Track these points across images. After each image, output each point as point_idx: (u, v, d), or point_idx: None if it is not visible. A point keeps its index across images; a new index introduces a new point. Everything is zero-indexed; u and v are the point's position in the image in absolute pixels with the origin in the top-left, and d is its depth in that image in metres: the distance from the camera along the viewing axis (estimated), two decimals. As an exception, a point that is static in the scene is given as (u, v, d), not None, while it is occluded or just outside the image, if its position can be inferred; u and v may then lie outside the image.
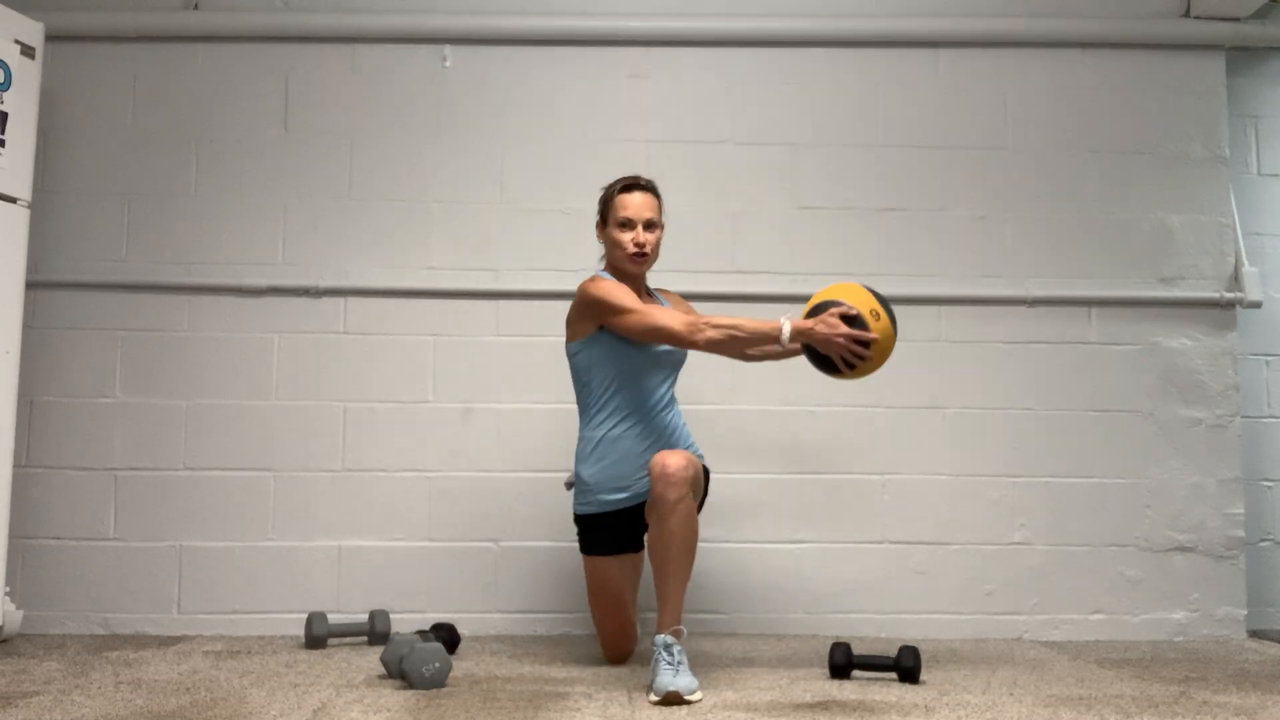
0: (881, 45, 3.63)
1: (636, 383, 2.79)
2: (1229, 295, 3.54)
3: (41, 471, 3.40)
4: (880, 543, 3.46)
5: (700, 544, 3.36)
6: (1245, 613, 3.46)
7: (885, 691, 2.52)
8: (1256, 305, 3.55)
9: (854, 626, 3.41)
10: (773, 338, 2.58)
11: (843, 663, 2.67)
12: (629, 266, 2.81)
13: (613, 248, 2.83)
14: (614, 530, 2.80)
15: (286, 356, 3.47)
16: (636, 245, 2.79)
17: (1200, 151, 3.62)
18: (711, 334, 2.61)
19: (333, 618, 3.30)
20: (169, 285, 3.48)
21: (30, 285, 3.35)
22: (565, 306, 3.41)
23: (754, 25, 3.61)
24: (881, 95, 3.63)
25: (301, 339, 3.48)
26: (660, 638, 2.46)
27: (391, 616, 3.30)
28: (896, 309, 3.48)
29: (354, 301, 3.50)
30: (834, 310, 2.53)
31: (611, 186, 2.87)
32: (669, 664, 2.40)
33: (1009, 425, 3.50)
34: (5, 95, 3.09)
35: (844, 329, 2.51)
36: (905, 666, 2.63)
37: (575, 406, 2.91)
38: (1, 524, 3.05)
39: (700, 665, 2.81)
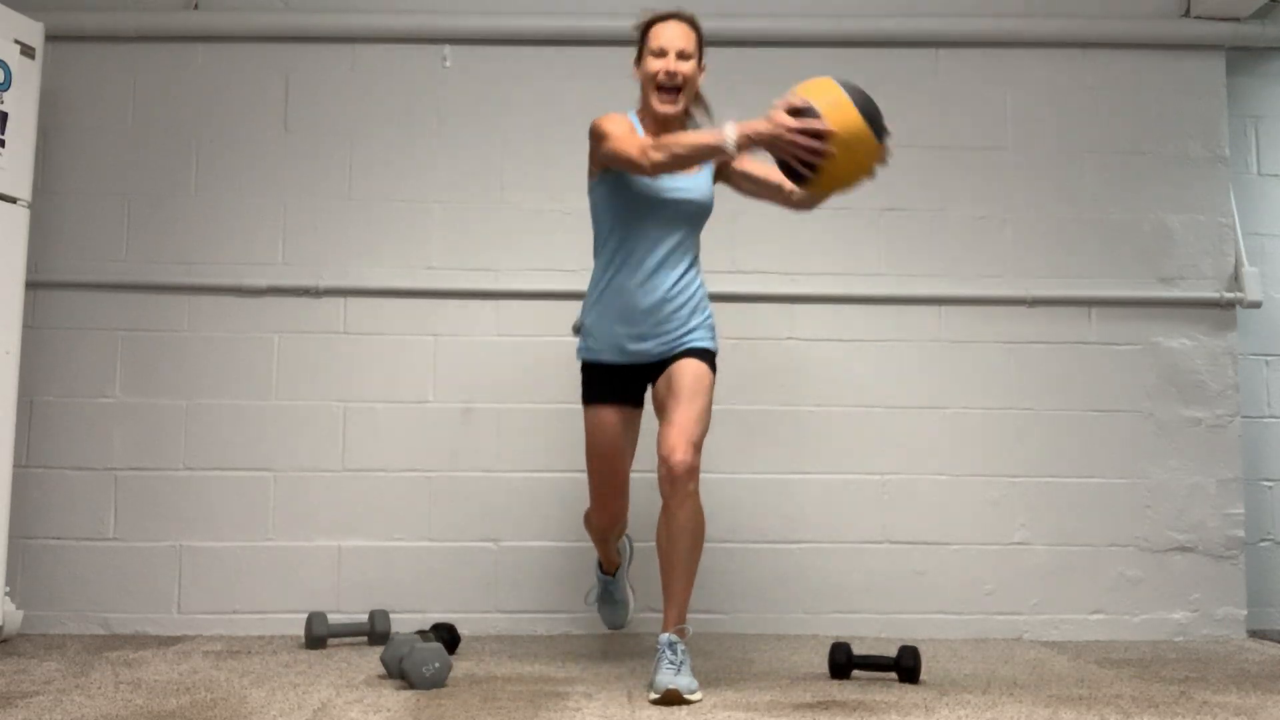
0: (881, 45, 3.63)
1: (635, 229, 2.65)
2: (1229, 295, 3.54)
3: (41, 471, 3.40)
4: (880, 543, 3.46)
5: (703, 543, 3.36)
6: (1245, 613, 3.46)
7: (885, 691, 2.52)
8: (1256, 305, 3.55)
9: (854, 626, 3.41)
10: (718, 148, 2.39)
11: (843, 663, 2.67)
12: (659, 103, 2.63)
13: (645, 83, 2.66)
14: (615, 380, 2.71)
15: (286, 356, 3.47)
16: (667, 74, 2.60)
17: (1200, 151, 3.62)
18: (655, 155, 2.44)
19: (333, 618, 3.30)
20: (169, 285, 3.48)
21: (30, 285, 3.35)
22: (565, 306, 3.42)
23: (754, 25, 3.61)
24: (881, 95, 3.60)
25: (301, 339, 3.48)
26: (665, 636, 2.46)
27: (391, 616, 3.30)
28: (896, 309, 3.52)
29: (354, 301, 3.50)
30: (779, 103, 2.28)
31: (648, 17, 2.69)
32: (671, 663, 2.40)
33: (1009, 425, 3.50)
34: (5, 95, 3.09)
35: (791, 121, 2.26)
36: (905, 666, 2.63)
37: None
38: (1, 524, 3.05)
39: (700, 665, 2.81)
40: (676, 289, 2.66)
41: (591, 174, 2.74)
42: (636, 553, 3.15)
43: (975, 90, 3.63)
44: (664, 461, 2.51)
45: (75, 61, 3.54)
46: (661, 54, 2.62)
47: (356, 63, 3.59)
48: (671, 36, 2.63)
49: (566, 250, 3.49)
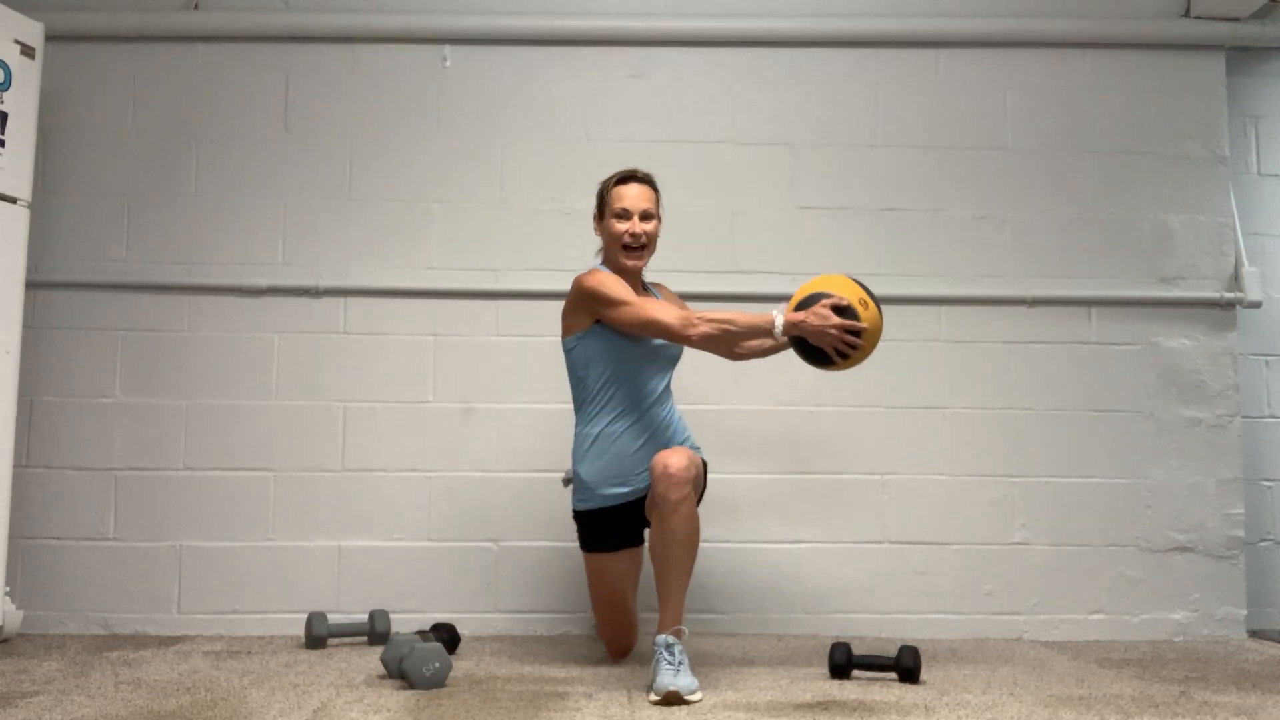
0: (881, 45, 3.63)
1: (633, 377, 2.78)
2: (1229, 295, 3.54)
3: (41, 471, 3.40)
4: (880, 543, 3.46)
5: (700, 544, 3.36)
6: (1245, 613, 3.46)
7: (885, 691, 2.52)
8: (1256, 305, 3.55)
9: (854, 626, 3.41)
10: (765, 331, 2.59)
11: (843, 663, 2.67)
12: (625, 259, 2.81)
13: (609, 241, 2.84)
14: (613, 526, 2.80)
15: (286, 356, 3.47)
16: (632, 236, 2.79)
17: (1200, 151, 3.62)
18: (705, 329, 2.61)
19: (333, 618, 3.30)
20: (169, 285, 3.48)
21: (30, 285, 3.35)
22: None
23: (754, 25, 3.61)
24: (881, 95, 3.63)
25: (301, 339, 3.48)
26: (661, 638, 2.46)
27: (391, 616, 3.30)
28: (896, 309, 3.53)
29: (354, 301, 3.50)
30: (825, 302, 2.54)
31: (608, 179, 2.87)
32: (669, 664, 2.40)
33: (1009, 425, 3.50)
34: (5, 95, 3.09)
35: (835, 320, 2.52)
36: (905, 666, 2.63)
37: (570, 406, 2.91)
38: (1, 524, 3.05)
39: (700, 665, 2.81)
40: (669, 419, 2.85)
41: (575, 327, 2.81)
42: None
43: (975, 90, 3.63)
44: (659, 464, 2.56)
45: (75, 61, 3.54)
46: (625, 216, 2.80)
47: (356, 63, 3.59)
48: (634, 199, 2.80)
49: (566, 250, 3.49)
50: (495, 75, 3.59)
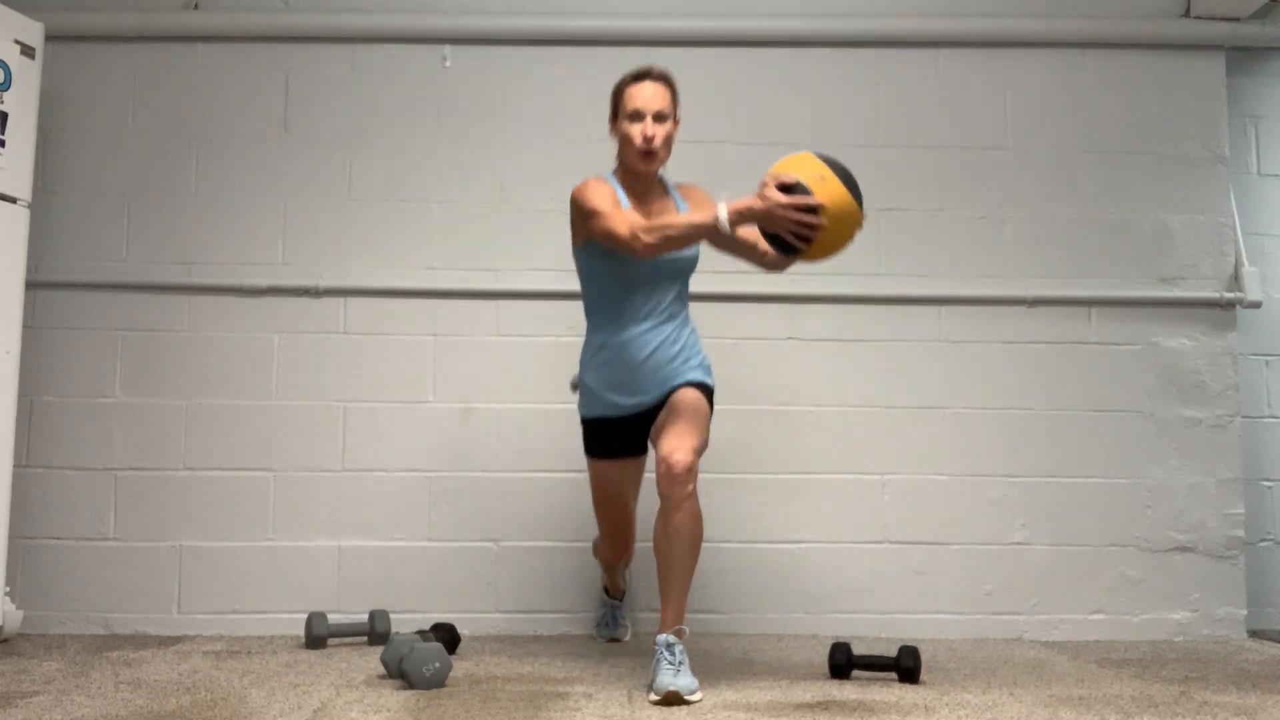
0: (881, 45, 3.63)
1: (631, 290, 2.69)
2: (1229, 295, 3.54)
3: (41, 471, 3.40)
4: (880, 543, 3.46)
5: (701, 544, 3.36)
6: (1245, 613, 3.46)
7: (885, 691, 2.52)
8: (1256, 305, 3.55)
9: (854, 626, 3.41)
10: (711, 227, 2.45)
11: (843, 663, 2.67)
12: (638, 163, 2.69)
13: (623, 143, 2.71)
14: (616, 434, 2.76)
15: (286, 356, 3.47)
16: (644, 138, 2.64)
17: (1200, 151, 3.62)
18: (647, 239, 2.49)
19: (333, 618, 3.30)
20: (169, 285, 3.48)
21: (30, 285, 3.35)
22: (565, 306, 3.43)
23: (754, 25, 3.61)
24: (881, 95, 3.63)
25: (301, 339, 3.48)
26: (662, 637, 2.46)
27: (391, 616, 3.30)
28: (896, 309, 3.52)
29: (354, 301, 3.50)
30: (770, 180, 2.37)
31: (623, 78, 2.72)
32: (670, 664, 2.40)
33: (1009, 425, 3.50)
34: (5, 95, 3.09)
35: (782, 198, 2.34)
36: (905, 666, 2.63)
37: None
38: (1, 524, 3.05)
39: (700, 665, 2.81)
40: (669, 341, 2.72)
41: (576, 239, 2.77)
42: (638, 555, 3.15)
43: (975, 90, 3.63)
44: (663, 461, 2.52)
45: (75, 61, 3.54)
46: (638, 117, 2.66)
47: (356, 63, 3.59)
48: (647, 99, 2.66)
49: (566, 250, 3.47)
50: (495, 75, 3.59)
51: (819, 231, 2.35)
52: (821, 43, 3.62)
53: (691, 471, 2.51)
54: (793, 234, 2.38)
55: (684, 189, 2.85)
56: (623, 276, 2.69)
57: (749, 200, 2.39)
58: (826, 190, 2.34)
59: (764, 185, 2.38)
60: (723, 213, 2.41)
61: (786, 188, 2.35)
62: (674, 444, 2.53)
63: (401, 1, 3.60)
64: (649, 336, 2.69)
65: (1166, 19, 3.64)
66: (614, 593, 3.22)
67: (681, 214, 2.59)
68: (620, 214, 2.58)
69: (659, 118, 2.67)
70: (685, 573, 2.54)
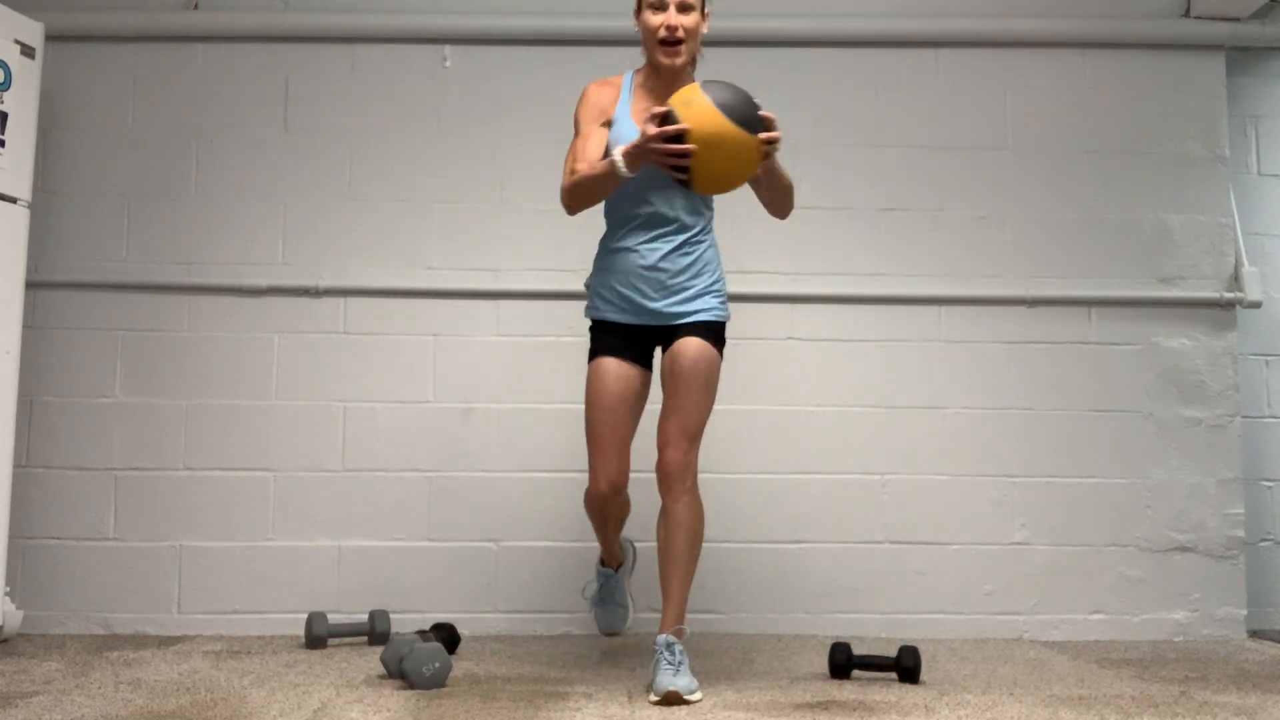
0: (881, 45, 3.63)
1: (632, 198, 2.60)
2: (1229, 295, 3.54)
3: (41, 471, 3.40)
4: (880, 543, 3.46)
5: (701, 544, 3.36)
6: (1245, 613, 3.46)
7: (885, 691, 2.52)
8: (1256, 305, 3.55)
9: (854, 626, 3.41)
10: (611, 175, 2.42)
11: (843, 663, 2.67)
12: (660, 57, 2.55)
13: (645, 36, 2.57)
14: (619, 337, 2.64)
15: (286, 356, 3.47)
16: (667, 29, 2.50)
17: (1200, 151, 3.62)
18: (564, 182, 2.53)
19: (333, 618, 3.30)
20: (169, 285, 3.48)
21: (30, 285, 3.35)
22: (565, 306, 3.43)
23: (754, 25, 3.60)
24: (881, 95, 3.63)
25: (301, 339, 3.48)
26: (662, 637, 2.46)
27: (391, 616, 3.30)
28: (896, 309, 3.52)
29: (354, 301, 3.50)
30: (649, 117, 2.32)
31: None
32: (670, 664, 2.40)
33: (1009, 425, 3.50)
34: (5, 95, 3.09)
35: (652, 130, 2.29)
36: (905, 666, 2.63)
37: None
38: (1, 524, 3.05)
39: (700, 665, 2.81)
40: (678, 252, 2.60)
41: None
42: (639, 556, 3.14)
43: (975, 90, 3.63)
44: (660, 456, 2.53)
45: (75, 61, 3.54)
46: (661, 6, 2.52)
47: (356, 63, 3.59)
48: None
49: (566, 250, 3.49)
50: (495, 75, 3.59)
51: (693, 158, 2.27)
52: (821, 43, 3.62)
53: (690, 466, 2.51)
54: (670, 166, 2.32)
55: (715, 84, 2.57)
56: (629, 184, 2.55)
57: (636, 139, 2.36)
58: (694, 115, 2.24)
59: (647, 119, 2.34)
60: (617, 155, 2.38)
61: (660, 118, 2.29)
62: (671, 435, 2.51)
63: (401, 1, 3.60)
64: (655, 244, 2.59)
65: (1166, 19, 3.64)
66: (609, 559, 2.99)
67: (589, 166, 2.50)
68: (577, 149, 2.56)
69: (684, 8, 2.51)
70: (686, 570, 2.54)
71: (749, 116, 2.31)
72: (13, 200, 3.11)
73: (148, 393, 3.45)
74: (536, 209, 3.53)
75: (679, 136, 2.27)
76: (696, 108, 2.25)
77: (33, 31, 3.18)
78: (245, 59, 3.57)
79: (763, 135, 2.35)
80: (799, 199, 3.57)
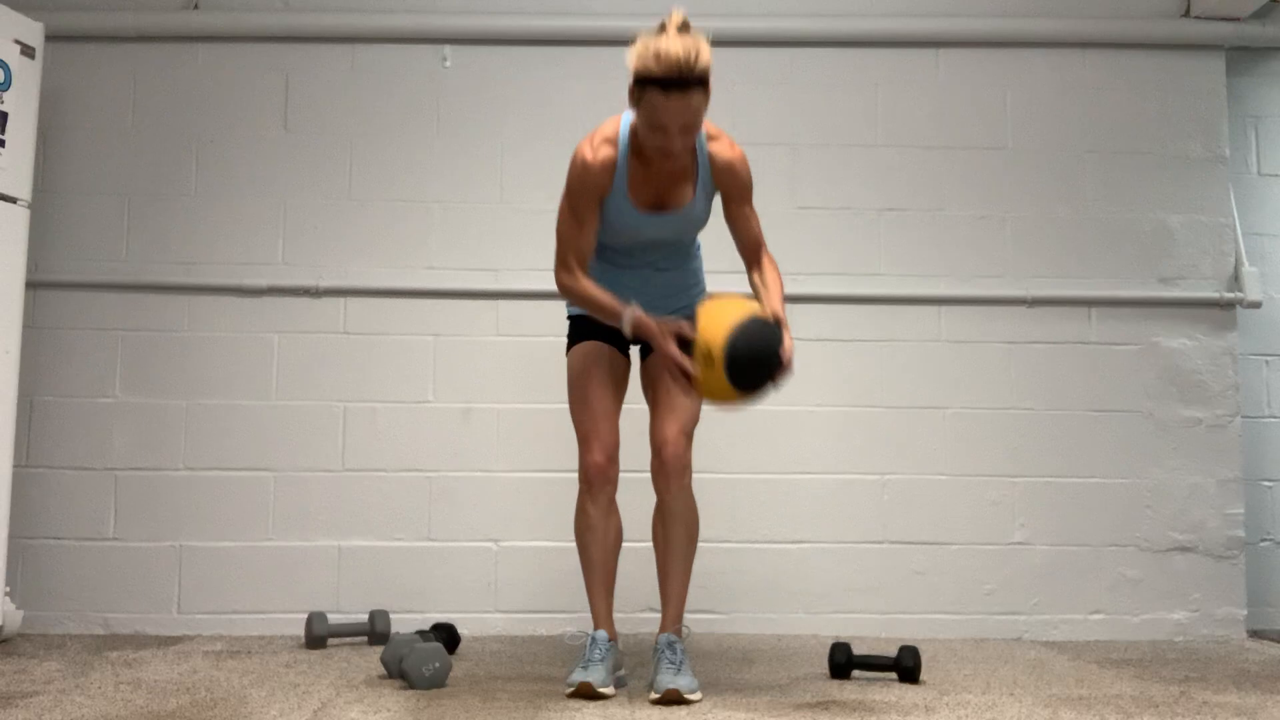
0: (881, 45, 3.63)
1: (624, 253, 2.60)
2: (1229, 295, 3.54)
3: (41, 471, 3.40)
4: (880, 543, 3.46)
5: (700, 544, 3.36)
6: (1245, 613, 3.46)
7: (885, 691, 2.52)
8: (1256, 305, 3.55)
9: (854, 626, 3.41)
10: (614, 320, 2.44)
11: (843, 663, 2.67)
12: (657, 157, 2.40)
13: (641, 126, 2.34)
14: (601, 328, 2.59)
15: (286, 356, 3.47)
16: (663, 153, 2.34)
17: (1200, 151, 3.62)
18: (562, 281, 2.48)
19: (333, 618, 3.30)
20: (169, 285, 3.48)
21: (30, 285, 3.35)
22: (565, 306, 3.42)
23: (754, 25, 3.61)
24: (881, 95, 3.63)
25: (301, 339, 3.48)
26: (664, 637, 2.46)
27: (391, 616, 3.30)
28: (896, 309, 3.52)
29: (354, 301, 3.50)
30: (676, 324, 2.36)
31: (646, 67, 2.24)
32: (670, 663, 2.40)
33: (1009, 425, 3.50)
34: (5, 95, 3.09)
35: (670, 348, 2.33)
36: (905, 666, 2.63)
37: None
38: (1, 524, 3.05)
39: (700, 665, 2.81)
40: (667, 281, 2.63)
41: None
42: (632, 556, 3.14)
43: (975, 90, 3.63)
44: (656, 454, 2.53)
45: (75, 61, 3.55)
46: (661, 129, 2.28)
47: (356, 63, 3.59)
48: (676, 113, 2.25)
49: (566, 250, 3.49)
50: (495, 75, 3.59)
51: (694, 388, 2.35)
52: (821, 43, 3.62)
53: (685, 463, 2.52)
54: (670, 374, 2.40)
55: (716, 149, 2.47)
56: (615, 242, 2.56)
57: (651, 326, 2.37)
58: (709, 374, 2.27)
59: (673, 328, 2.36)
60: (627, 322, 2.41)
61: (682, 341, 2.35)
62: (666, 432, 2.51)
63: (401, 1, 3.60)
64: (645, 272, 2.61)
65: (1166, 19, 3.64)
66: (601, 619, 2.62)
67: (604, 294, 2.46)
68: (573, 239, 2.46)
69: (687, 130, 2.30)
70: (684, 567, 2.55)
71: (761, 386, 2.31)
72: (13, 200, 3.11)
73: (148, 393, 3.45)
74: (536, 209, 3.53)
75: (686, 344, 2.34)
76: (717, 374, 2.26)
77: (33, 31, 3.18)
78: (245, 59, 3.58)
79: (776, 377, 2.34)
80: (800, 199, 3.59)
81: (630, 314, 2.40)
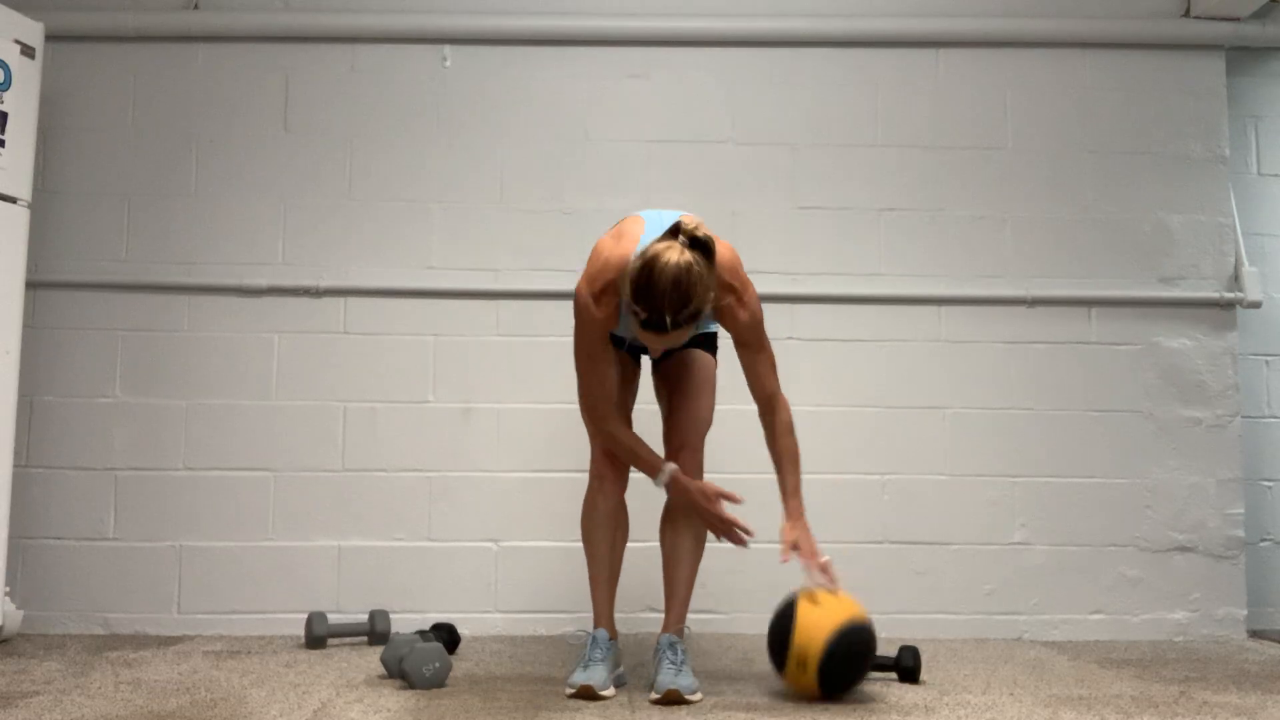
0: (881, 45, 3.63)
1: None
2: (1229, 295, 3.54)
3: (41, 471, 3.40)
4: (880, 543, 3.46)
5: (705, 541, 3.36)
6: (1245, 613, 3.46)
7: (885, 691, 2.52)
8: (1256, 305, 3.55)
9: (854, 626, 3.40)
10: (651, 474, 2.50)
11: (843, 663, 2.67)
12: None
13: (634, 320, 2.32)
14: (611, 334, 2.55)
15: (286, 356, 3.47)
16: (650, 354, 2.58)
17: (1200, 151, 3.62)
18: (593, 425, 2.54)
19: (333, 618, 3.30)
20: (169, 285, 3.48)
21: (30, 285, 3.35)
22: (565, 306, 3.43)
23: (754, 25, 3.61)
24: (881, 95, 3.63)
25: (301, 339, 3.48)
26: (665, 637, 2.47)
27: (391, 616, 3.30)
28: (896, 309, 3.52)
29: (354, 301, 3.50)
30: (716, 488, 2.48)
31: (636, 299, 2.24)
32: (671, 663, 2.40)
33: (1009, 425, 3.50)
34: (5, 95, 3.09)
35: (718, 510, 2.47)
36: (905, 666, 2.63)
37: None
38: (1, 524, 3.05)
39: (700, 665, 2.81)
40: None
41: None
42: (633, 555, 3.14)
43: (975, 90, 3.63)
44: (676, 457, 2.57)
45: (75, 61, 3.55)
46: (654, 329, 2.26)
47: (356, 63, 3.59)
48: (658, 341, 2.29)
49: (566, 250, 3.49)
50: (495, 75, 3.59)
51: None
52: (821, 43, 3.62)
53: (699, 467, 2.56)
54: (711, 529, 2.52)
55: (722, 295, 2.39)
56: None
57: (690, 488, 2.47)
58: (801, 677, 2.36)
59: (714, 490, 2.48)
60: (664, 477, 2.49)
61: (722, 500, 2.50)
62: (689, 437, 2.57)
63: (401, 1, 3.60)
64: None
65: (1166, 19, 3.64)
66: (601, 617, 2.60)
67: (639, 444, 2.50)
68: (594, 385, 2.48)
69: (671, 346, 2.36)
70: (691, 570, 2.56)
71: (847, 689, 2.40)
72: (13, 200, 3.11)
73: (148, 393, 3.45)
74: (536, 209, 3.53)
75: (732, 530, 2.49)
76: (804, 680, 2.36)
77: (33, 31, 3.18)
78: (245, 59, 3.58)
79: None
80: (800, 199, 3.59)
81: (669, 471, 2.48)
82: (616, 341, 2.63)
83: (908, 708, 2.34)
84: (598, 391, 2.50)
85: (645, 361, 2.80)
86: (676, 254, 2.20)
